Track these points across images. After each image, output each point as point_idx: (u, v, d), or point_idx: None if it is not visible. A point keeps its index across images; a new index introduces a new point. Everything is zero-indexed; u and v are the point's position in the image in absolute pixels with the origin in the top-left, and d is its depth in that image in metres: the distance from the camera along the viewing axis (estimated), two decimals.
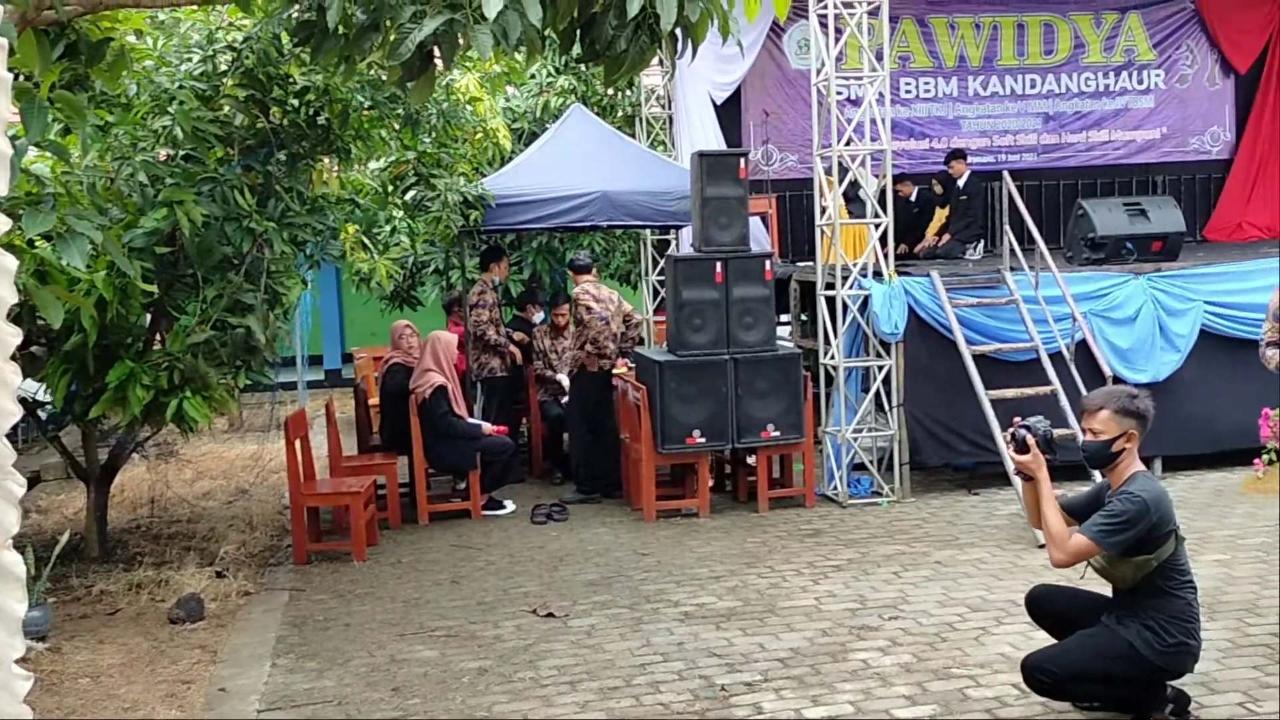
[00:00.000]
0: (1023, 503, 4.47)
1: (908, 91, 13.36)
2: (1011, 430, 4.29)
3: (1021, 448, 4.21)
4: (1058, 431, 7.86)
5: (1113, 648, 4.19)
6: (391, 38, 4.34)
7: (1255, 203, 14.08)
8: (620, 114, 12.73)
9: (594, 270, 9.48)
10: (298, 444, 7.46)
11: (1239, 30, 13.97)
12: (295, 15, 5.48)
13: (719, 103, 12.27)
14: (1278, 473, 8.14)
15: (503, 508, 8.40)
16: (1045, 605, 4.57)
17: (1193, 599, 4.22)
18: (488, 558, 7.27)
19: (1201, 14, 13.89)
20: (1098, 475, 4.89)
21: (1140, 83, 13.99)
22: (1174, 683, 4.33)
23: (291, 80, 6.99)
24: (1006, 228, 8.81)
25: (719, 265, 7.97)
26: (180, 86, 6.60)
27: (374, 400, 9.91)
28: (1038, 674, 4.25)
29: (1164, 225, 9.35)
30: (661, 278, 12.14)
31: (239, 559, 7.20)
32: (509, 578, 6.79)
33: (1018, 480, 4.87)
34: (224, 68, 6.83)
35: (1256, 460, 8.38)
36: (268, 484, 9.55)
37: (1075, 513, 4.29)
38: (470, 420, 8.45)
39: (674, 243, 11.34)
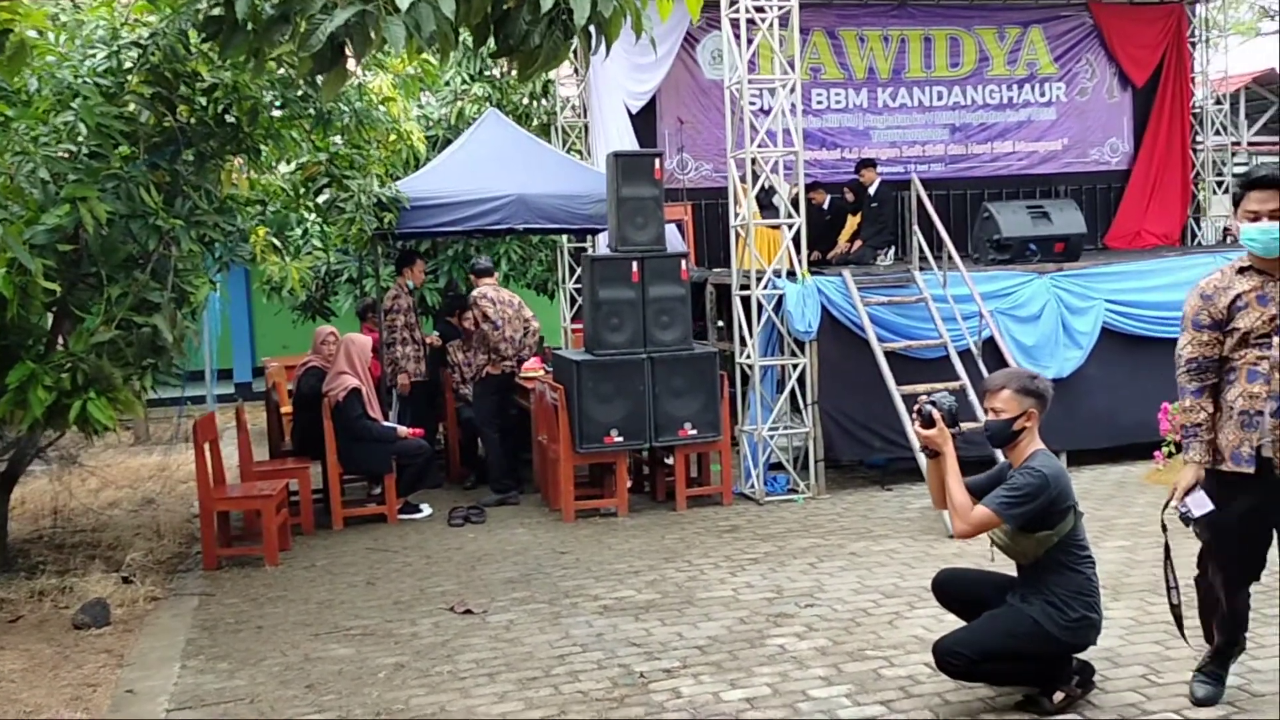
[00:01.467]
0: (928, 483, 4.54)
1: (819, 102, 13.59)
2: (918, 406, 4.37)
3: (928, 422, 4.29)
4: (967, 425, 8.03)
5: (1019, 625, 4.28)
6: (302, 29, 4.29)
7: (1153, 211, 14.60)
8: (535, 122, 12.75)
9: (494, 275, 9.48)
10: (207, 448, 7.31)
11: (1135, 45, 14.50)
12: (202, 10, 5.42)
13: (634, 111, 12.37)
14: (1178, 464, 8.41)
15: (419, 511, 8.32)
16: (951, 588, 4.64)
17: (1092, 574, 4.32)
18: (404, 559, 7.19)
19: (1100, 29, 14.39)
20: (1000, 456, 5.00)
21: (1042, 95, 14.42)
22: (1079, 656, 4.44)
23: (199, 77, 6.87)
24: (916, 229, 9.00)
25: (635, 265, 8.01)
26: (84, 82, 6.45)
27: (286, 409, 9.76)
28: (949, 657, 4.32)
29: (1065, 227, 9.65)
30: (579, 285, 12.17)
31: (146, 565, 7.02)
32: (426, 578, 6.72)
33: (923, 458, 4.96)
34: (129, 64, 6.69)
35: (1156, 453, 8.67)
36: (175, 493, 9.34)
37: (978, 492, 4.37)
38: (385, 424, 8.36)
39: (590, 248, 11.37)
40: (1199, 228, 14.95)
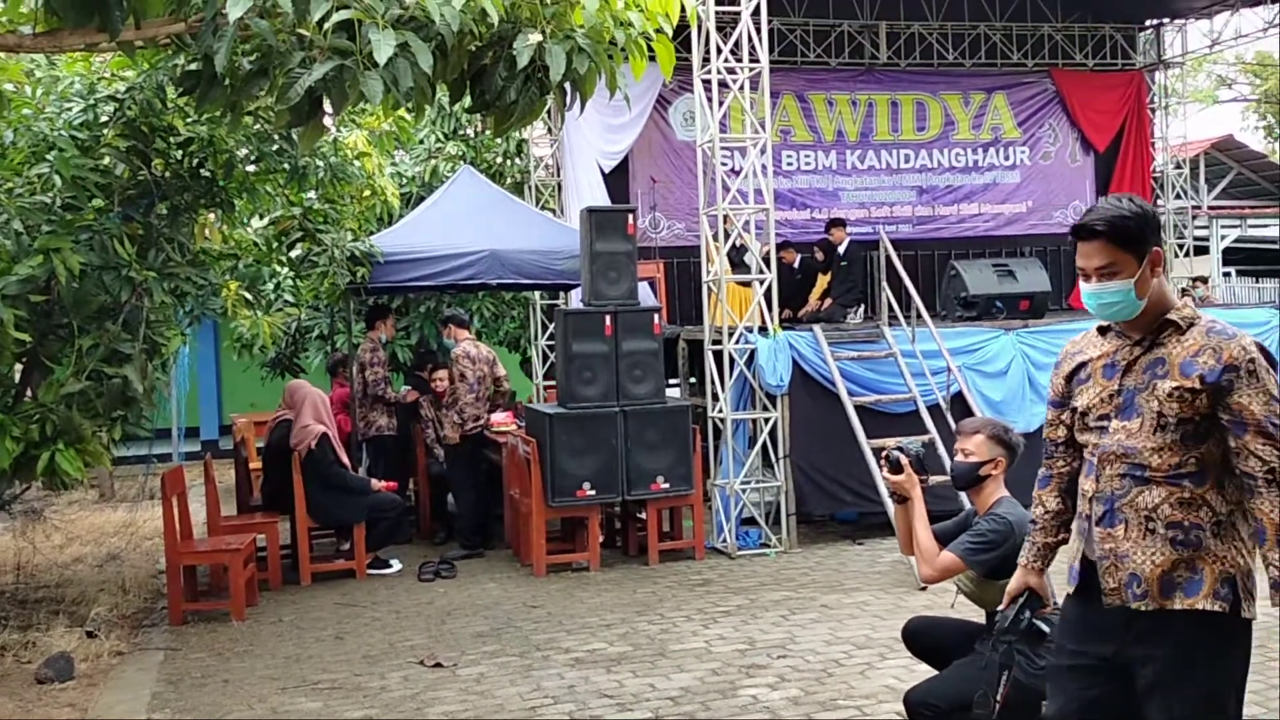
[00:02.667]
0: (896, 529, 4.56)
1: (789, 163, 13.84)
2: (886, 453, 4.41)
3: (895, 468, 4.32)
4: (935, 478, 8.09)
5: (988, 673, 4.28)
6: (279, 83, 4.33)
7: None
8: (509, 180, 12.86)
9: (470, 328, 9.52)
10: (175, 501, 7.24)
11: (1097, 111, 14.87)
12: (180, 65, 5.48)
13: (607, 170, 12.55)
14: None
15: (389, 567, 8.25)
16: (922, 637, 4.63)
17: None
18: (373, 614, 7.12)
19: (1062, 95, 14.76)
20: (966, 502, 5.03)
21: (1007, 159, 14.74)
22: None
23: (175, 131, 6.93)
24: (885, 285, 9.13)
25: (608, 319, 8.07)
26: (60, 135, 6.48)
27: (255, 464, 9.69)
28: (921, 708, 4.30)
29: (1030, 285, 9.82)
30: (551, 342, 12.22)
31: (111, 620, 6.90)
32: (395, 632, 6.66)
33: (891, 504, 4.97)
34: (105, 118, 6.74)
35: None
36: (141, 549, 9.22)
37: (944, 538, 4.39)
38: (356, 475, 8.32)
39: (563, 304, 11.43)
40: None
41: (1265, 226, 21.04)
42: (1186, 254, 15.45)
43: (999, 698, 3.80)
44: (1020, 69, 14.55)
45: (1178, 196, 15.29)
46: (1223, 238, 19.77)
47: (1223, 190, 23.62)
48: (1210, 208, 20.46)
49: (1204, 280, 16.41)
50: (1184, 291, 14.82)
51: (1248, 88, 31.79)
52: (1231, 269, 21.29)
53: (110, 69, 6.90)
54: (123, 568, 8.54)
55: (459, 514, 9.04)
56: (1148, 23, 15.19)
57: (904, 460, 4.30)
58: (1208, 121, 32.22)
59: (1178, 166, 15.37)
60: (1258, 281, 21.62)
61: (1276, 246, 22.01)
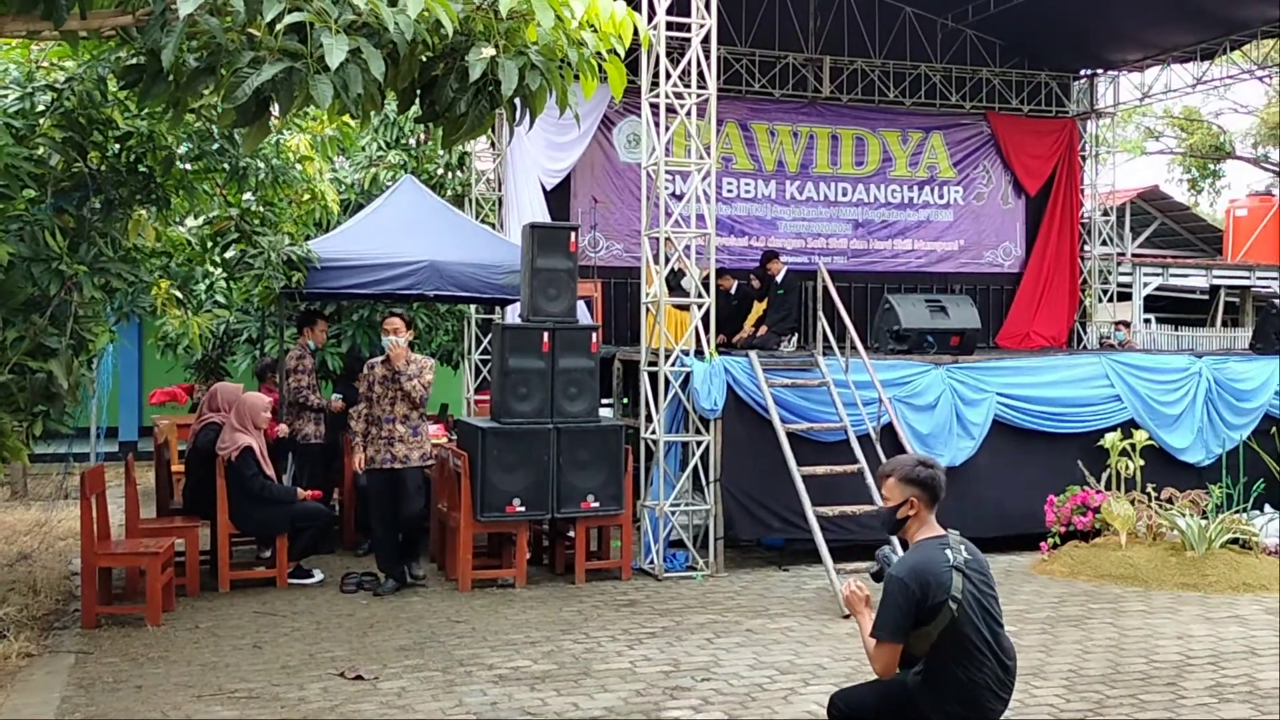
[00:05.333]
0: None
1: (729, 191, 13.98)
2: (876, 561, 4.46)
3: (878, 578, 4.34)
4: (864, 508, 8.20)
5: (901, 695, 4.20)
6: (227, 82, 4.28)
7: (1042, 314, 15.23)
8: (450, 193, 12.82)
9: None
10: (94, 500, 7.07)
11: (1029, 155, 15.25)
12: (123, 58, 5.39)
13: (549, 188, 12.57)
14: (1064, 554, 8.68)
15: (310, 576, 8.12)
16: (850, 703, 4.33)
17: (975, 675, 3.98)
18: (293, 624, 7.00)
19: (997, 138, 15.11)
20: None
21: (941, 198, 15.03)
22: None
23: (114, 125, 6.81)
24: (820, 313, 9.25)
25: (546, 335, 8.06)
26: None
27: (177, 467, 9.49)
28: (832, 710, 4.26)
29: (961, 322, 10.02)
30: (485, 356, 12.17)
31: (20, 621, 6.71)
32: (315, 643, 6.56)
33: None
34: (42, 107, 6.60)
35: (1042, 544, 8.93)
36: (54, 550, 8.97)
37: None
38: (283, 485, 8.19)
39: (500, 318, 11.40)
40: (1084, 332, 15.61)
41: (1186, 276, 21.69)
42: (1110, 299, 15.86)
43: None
44: (958, 110, 14.88)
45: (1104, 243, 15.72)
46: (1145, 285, 20.33)
47: (1146, 239, 24.32)
48: (1134, 255, 21.04)
49: (1126, 325, 16.83)
50: (1102, 339, 15.26)
51: (1174, 141, 32.81)
52: (1152, 316, 21.89)
53: (49, 58, 6.76)
54: (34, 568, 8.30)
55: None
56: (1082, 72, 15.64)
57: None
58: (1135, 172, 33.19)
59: (1105, 214, 15.80)
60: (1177, 329, 22.25)
61: (1196, 296, 22.68)
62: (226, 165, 7.51)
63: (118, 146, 6.88)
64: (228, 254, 8.68)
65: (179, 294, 8.53)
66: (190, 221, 8.82)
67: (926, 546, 4.07)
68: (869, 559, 4.51)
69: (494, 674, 5.94)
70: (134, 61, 4.76)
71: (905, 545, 4.37)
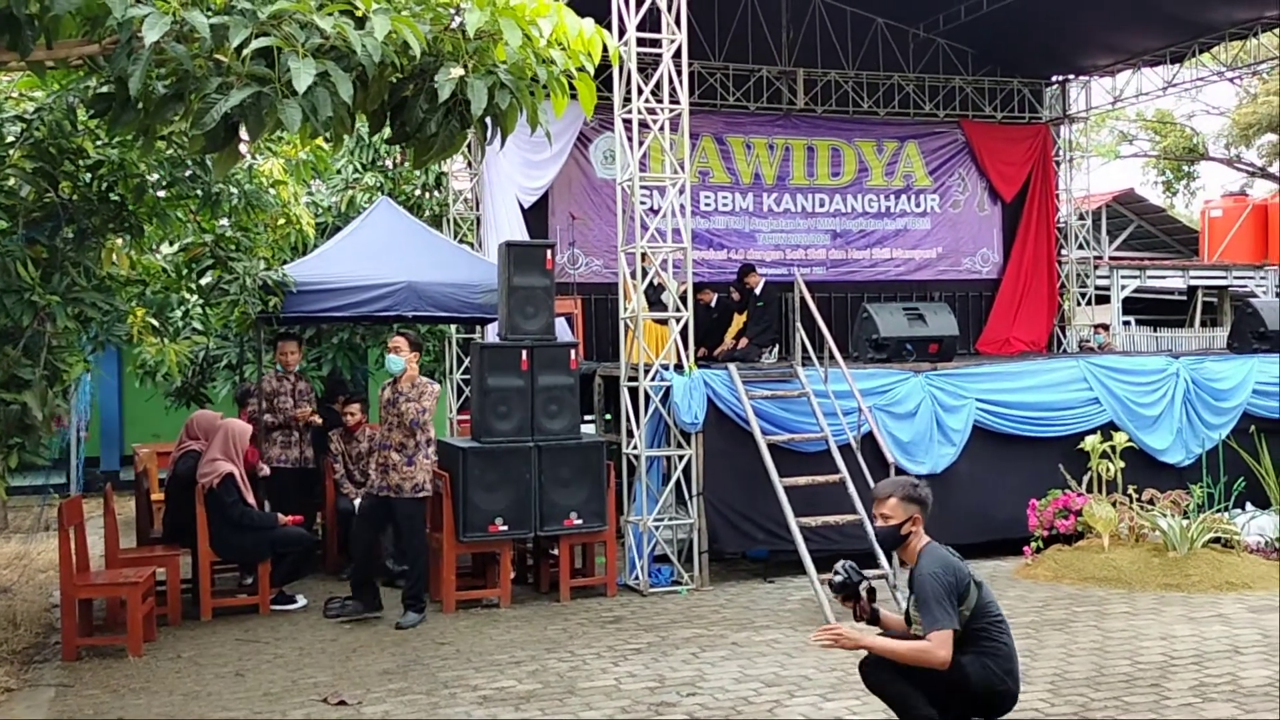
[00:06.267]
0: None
1: (707, 204, 14.01)
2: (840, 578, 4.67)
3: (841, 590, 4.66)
4: (847, 518, 8.21)
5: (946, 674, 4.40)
6: (195, 108, 4.27)
7: (1021, 319, 15.29)
8: (427, 213, 12.80)
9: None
10: (72, 531, 7.01)
11: (1004, 162, 15.34)
12: (92, 87, 5.38)
13: (527, 206, 12.57)
14: (1047, 559, 8.69)
15: (294, 602, 8.08)
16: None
17: (1006, 640, 4.56)
18: (276, 650, 6.96)
19: (971, 146, 15.20)
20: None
21: (918, 206, 15.09)
22: None
23: (84, 154, 6.78)
24: (798, 324, 9.27)
25: (525, 353, 8.05)
26: None
27: (157, 496, 9.42)
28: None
29: (939, 329, 10.05)
30: (466, 376, 12.14)
31: (0, 655, 6.66)
32: (298, 669, 6.51)
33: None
34: (11, 138, 6.58)
35: (1025, 548, 8.94)
36: (34, 583, 8.91)
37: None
38: (263, 511, 8.14)
39: (480, 337, 11.38)
40: (1064, 335, 15.68)
41: (1163, 277, 21.84)
42: (1089, 303, 15.96)
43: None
44: (932, 119, 14.96)
45: (1081, 247, 15.82)
46: (1123, 287, 20.45)
47: (1123, 242, 24.50)
48: (1111, 258, 21.19)
49: (1105, 328, 16.93)
50: (1082, 343, 15.34)
51: (1148, 143, 33.07)
52: (1131, 318, 22.02)
53: (18, 89, 6.74)
54: (14, 601, 8.24)
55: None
56: (1054, 78, 15.74)
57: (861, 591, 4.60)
58: (1110, 175, 33.45)
59: (1081, 218, 15.90)
60: (1155, 330, 22.40)
61: (1174, 297, 22.84)
62: (199, 191, 7.49)
63: (89, 175, 6.86)
64: (203, 280, 8.65)
65: (155, 322, 8.48)
66: (165, 249, 8.79)
67: (934, 549, 4.59)
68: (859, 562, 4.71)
69: (478, 695, 5.91)
70: (103, 90, 4.76)
71: (896, 560, 4.65)
